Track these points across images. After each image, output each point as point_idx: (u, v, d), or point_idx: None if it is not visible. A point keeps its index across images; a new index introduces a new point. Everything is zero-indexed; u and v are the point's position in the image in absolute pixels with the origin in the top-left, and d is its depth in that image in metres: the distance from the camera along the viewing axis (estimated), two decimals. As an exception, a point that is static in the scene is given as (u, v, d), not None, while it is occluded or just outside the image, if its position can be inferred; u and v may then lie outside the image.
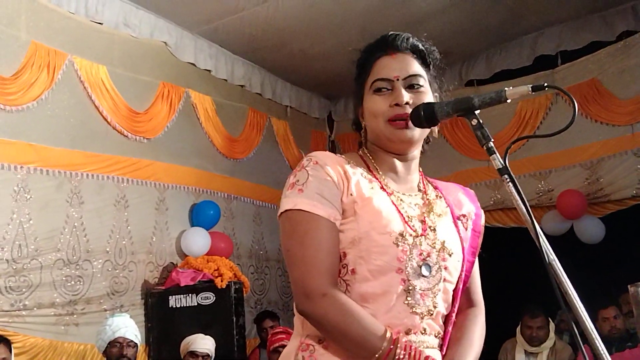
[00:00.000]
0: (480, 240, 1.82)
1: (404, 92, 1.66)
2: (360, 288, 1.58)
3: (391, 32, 1.76)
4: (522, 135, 6.40)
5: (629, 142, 6.15)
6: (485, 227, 1.88)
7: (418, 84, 1.69)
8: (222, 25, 6.10)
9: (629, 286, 1.21)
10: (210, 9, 5.83)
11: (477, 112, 1.55)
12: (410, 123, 1.64)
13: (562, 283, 1.38)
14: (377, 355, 1.50)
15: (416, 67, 1.71)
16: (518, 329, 5.37)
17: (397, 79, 1.68)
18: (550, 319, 5.30)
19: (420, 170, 1.84)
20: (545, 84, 1.51)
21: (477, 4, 5.94)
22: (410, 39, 1.75)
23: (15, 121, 4.68)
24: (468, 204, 1.84)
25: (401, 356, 1.50)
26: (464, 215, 1.79)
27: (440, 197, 1.80)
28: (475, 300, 1.83)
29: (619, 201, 6.22)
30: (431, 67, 1.76)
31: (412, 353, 1.52)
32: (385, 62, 1.72)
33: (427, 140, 1.82)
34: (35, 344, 4.54)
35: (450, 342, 1.70)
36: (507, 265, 5.59)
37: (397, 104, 1.66)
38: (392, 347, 1.50)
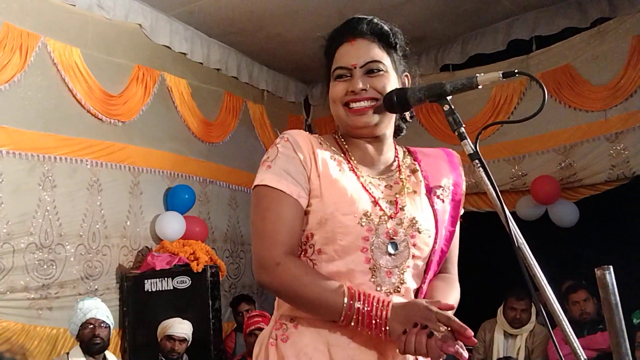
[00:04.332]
0: (461, 208, 1.84)
1: (360, 79, 1.70)
2: (327, 267, 1.64)
3: (353, 17, 1.79)
4: (496, 121, 6.44)
5: (602, 128, 6.20)
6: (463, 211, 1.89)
7: (377, 69, 1.71)
8: (198, 7, 6.04)
9: (595, 269, 1.23)
10: (186, -9, 5.77)
11: (449, 97, 1.58)
12: (369, 110, 1.69)
13: (530, 267, 1.40)
14: (342, 314, 1.54)
15: (375, 52, 1.73)
16: (500, 309, 5.42)
17: (355, 67, 1.71)
18: (532, 303, 5.36)
19: (396, 147, 1.87)
20: (516, 71, 1.54)
21: (453, -11, 5.96)
22: (373, 22, 1.76)
23: (-13, 104, 4.62)
24: (448, 172, 1.85)
25: (363, 309, 1.53)
26: (440, 187, 1.81)
27: (417, 171, 1.83)
28: (448, 269, 1.86)
29: (592, 186, 6.29)
30: (397, 48, 1.78)
31: (370, 300, 1.54)
32: (345, 49, 1.75)
33: (405, 119, 1.86)
34: (7, 327, 4.51)
35: (426, 295, 1.74)
36: (483, 249, 5.65)
37: (352, 91, 1.70)
38: (352, 302, 1.53)
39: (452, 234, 1.80)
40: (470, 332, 1.47)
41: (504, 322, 5.35)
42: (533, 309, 5.32)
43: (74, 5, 5.28)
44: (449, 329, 1.48)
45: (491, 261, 6.00)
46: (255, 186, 1.68)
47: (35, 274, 4.79)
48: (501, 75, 1.52)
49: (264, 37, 6.72)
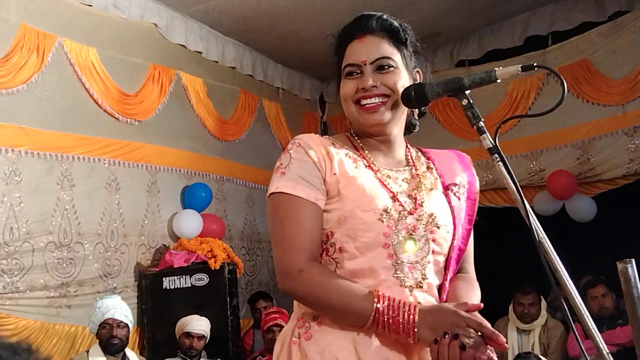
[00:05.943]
0: (476, 207, 1.83)
1: (370, 76, 1.69)
2: (349, 265, 1.63)
3: (362, 14, 1.78)
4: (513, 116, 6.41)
5: (620, 122, 6.15)
6: (478, 207, 1.89)
7: (388, 65, 1.71)
8: (212, 6, 6.05)
9: (617, 263, 1.22)
10: (201, -10, 5.78)
11: (467, 92, 1.57)
12: (381, 107, 1.69)
13: (551, 261, 1.40)
14: (369, 319, 1.53)
15: (385, 48, 1.72)
16: (510, 306, 5.41)
17: (365, 64, 1.71)
18: (542, 297, 5.34)
19: (408, 146, 1.86)
20: (535, 64, 1.52)
21: (469, -16, 5.92)
22: (382, 19, 1.75)
23: (5, 104, 4.64)
24: (461, 172, 1.85)
25: (390, 314, 1.52)
26: (455, 184, 1.81)
27: (431, 168, 1.83)
28: (466, 269, 1.85)
29: (610, 180, 6.24)
30: (407, 44, 1.77)
31: (397, 305, 1.53)
32: (354, 46, 1.75)
33: (418, 115, 1.85)
34: (27, 325, 4.55)
35: (448, 295, 1.73)
36: (499, 245, 5.62)
37: (363, 88, 1.69)
38: (378, 306, 1.53)
39: (469, 232, 1.80)
40: (503, 339, 1.47)
41: (515, 318, 5.34)
42: (543, 303, 5.32)
43: (90, 6, 5.31)
44: (480, 333, 1.48)
45: (507, 258, 5.97)
46: (271, 194, 1.67)
47: (54, 272, 4.82)
48: (520, 69, 1.51)
49: (279, 35, 6.72)
